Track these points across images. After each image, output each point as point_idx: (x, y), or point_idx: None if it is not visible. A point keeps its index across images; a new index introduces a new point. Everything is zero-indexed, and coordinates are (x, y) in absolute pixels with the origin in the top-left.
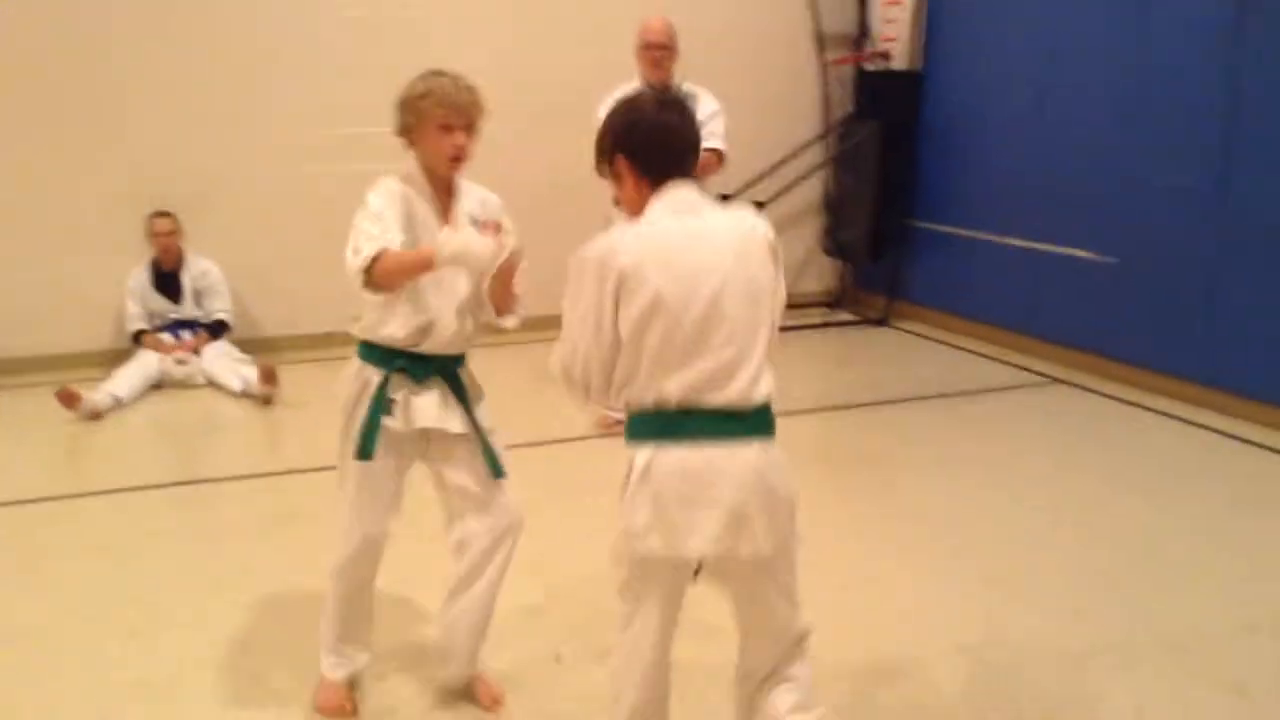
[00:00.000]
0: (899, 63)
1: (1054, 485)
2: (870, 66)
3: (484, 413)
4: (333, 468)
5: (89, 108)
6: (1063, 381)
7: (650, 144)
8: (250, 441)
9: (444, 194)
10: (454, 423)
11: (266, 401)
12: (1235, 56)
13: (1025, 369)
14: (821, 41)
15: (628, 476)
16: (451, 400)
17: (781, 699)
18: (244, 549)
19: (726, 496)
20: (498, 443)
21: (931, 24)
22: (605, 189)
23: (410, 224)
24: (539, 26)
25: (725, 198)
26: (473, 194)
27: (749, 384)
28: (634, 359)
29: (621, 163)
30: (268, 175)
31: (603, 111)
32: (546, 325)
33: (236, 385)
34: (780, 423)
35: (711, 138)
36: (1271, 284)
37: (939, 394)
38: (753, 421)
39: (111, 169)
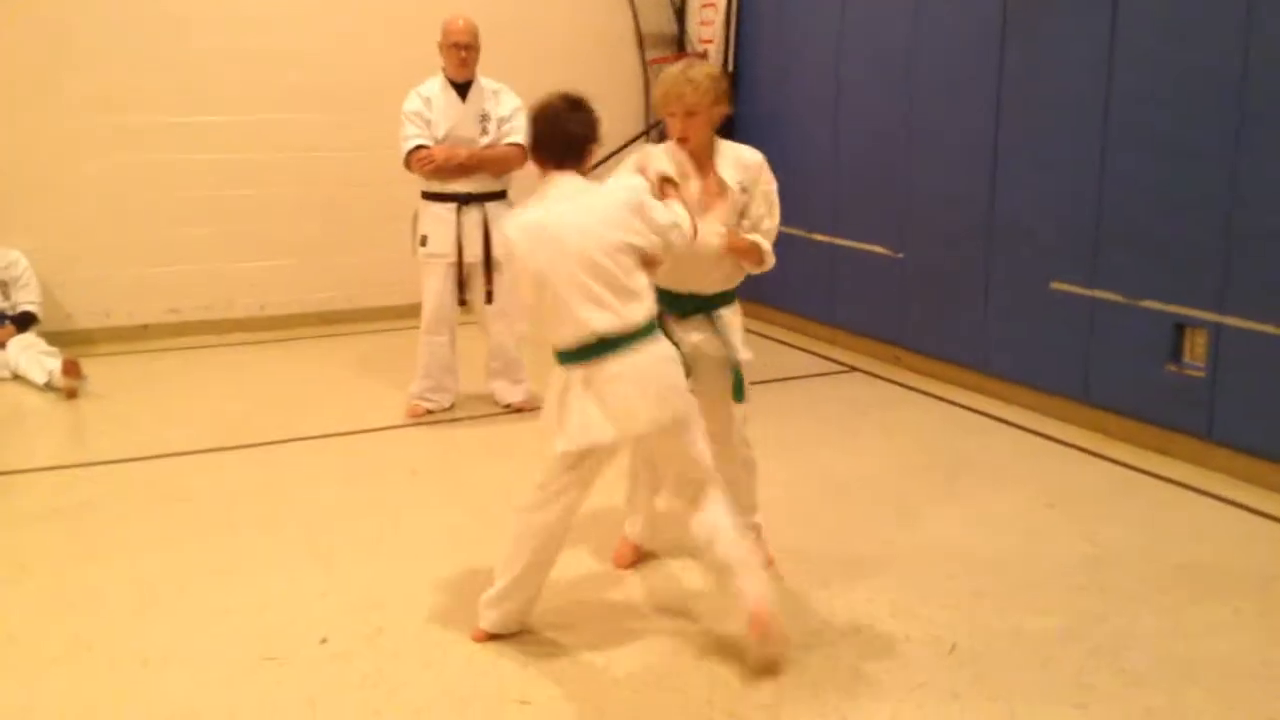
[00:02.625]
0: (714, 62)
1: (832, 463)
2: None
3: None
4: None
5: None
6: (859, 370)
7: (548, 138)
8: (48, 433)
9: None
10: None
11: (71, 394)
12: (999, 74)
13: (827, 358)
14: (642, 41)
15: (555, 391)
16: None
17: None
18: (30, 538)
19: (620, 399)
20: None
21: (742, 26)
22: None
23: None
24: (345, 21)
25: None
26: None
27: (623, 312)
28: (540, 312)
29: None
30: (79, 164)
31: (407, 105)
32: (370, 317)
33: (40, 378)
34: None
35: (514, 133)
36: (1029, 280)
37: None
38: (633, 337)
39: None
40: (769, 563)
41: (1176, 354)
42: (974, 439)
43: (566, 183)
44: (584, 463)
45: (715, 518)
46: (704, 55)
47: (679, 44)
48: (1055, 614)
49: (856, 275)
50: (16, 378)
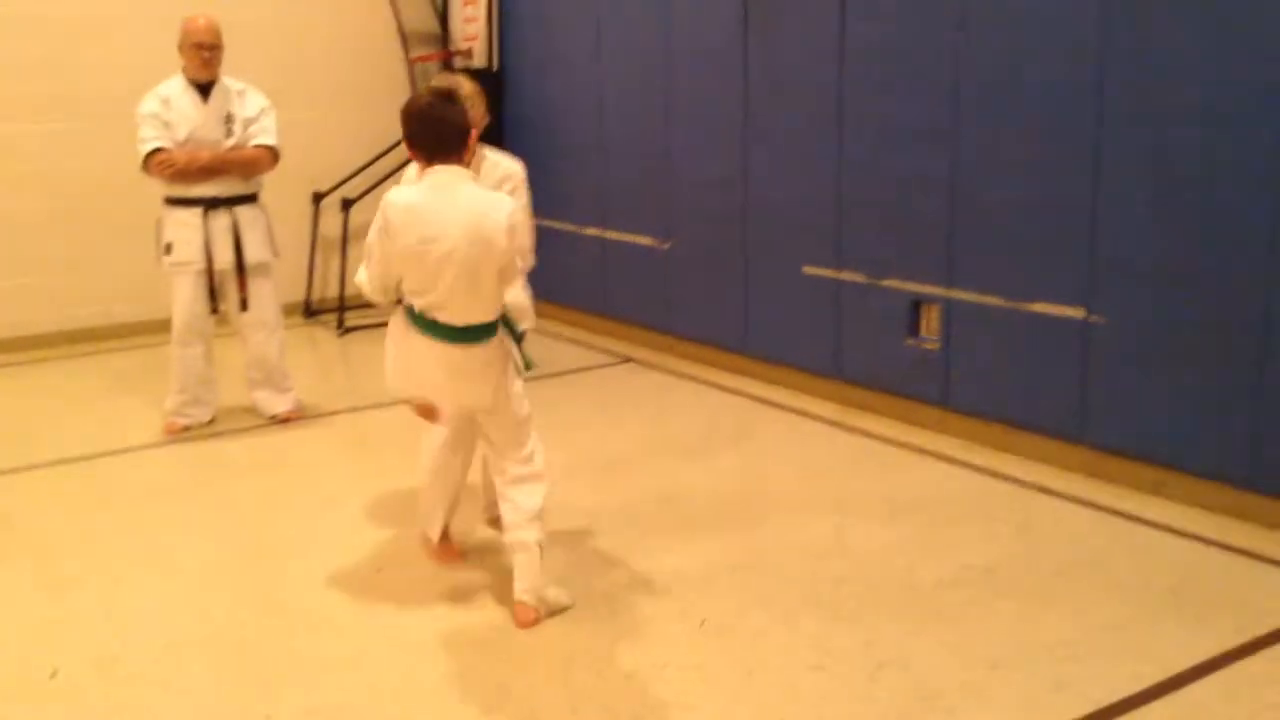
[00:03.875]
0: (479, 61)
1: (599, 450)
2: (456, 65)
3: None
4: None
5: None
6: (633, 359)
7: (422, 133)
8: None
9: None
10: None
11: None
12: (744, 66)
13: (603, 350)
14: (405, 39)
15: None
16: None
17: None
18: None
19: (431, 371)
20: None
21: (505, 25)
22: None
23: None
24: (78, 23)
25: (318, 196)
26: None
27: (463, 313)
28: (387, 281)
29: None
30: None
31: (144, 108)
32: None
33: None
34: None
35: (263, 134)
36: (782, 264)
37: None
38: (462, 333)
39: None
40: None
41: (914, 329)
42: (739, 421)
43: (447, 174)
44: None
45: (510, 507)
46: (468, 53)
47: (443, 42)
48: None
49: (626, 267)
50: None
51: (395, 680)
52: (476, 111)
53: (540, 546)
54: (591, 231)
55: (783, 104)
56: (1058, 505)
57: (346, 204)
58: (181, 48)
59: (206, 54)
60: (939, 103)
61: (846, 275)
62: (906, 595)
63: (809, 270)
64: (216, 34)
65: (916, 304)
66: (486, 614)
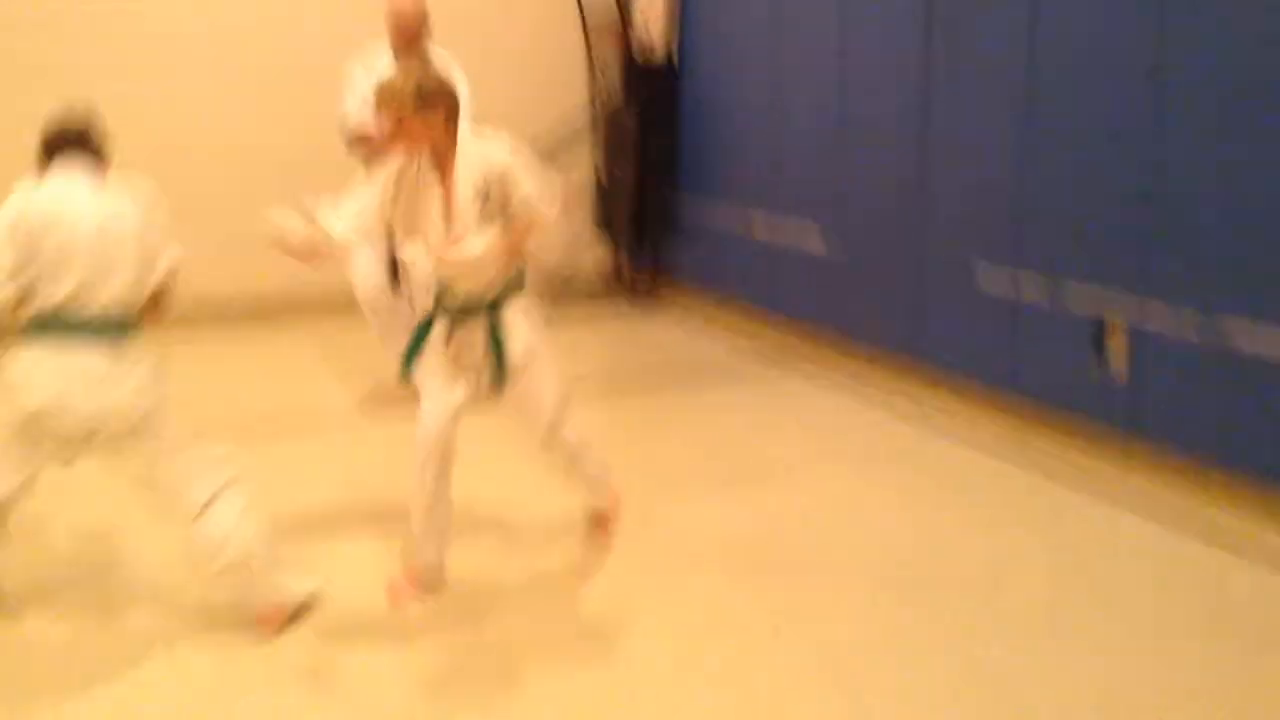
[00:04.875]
0: (659, 51)
1: (759, 459)
2: (634, 54)
3: None
4: None
5: None
6: (796, 361)
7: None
8: None
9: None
10: None
11: None
12: (929, 51)
13: (766, 349)
14: (587, 29)
15: None
16: None
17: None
18: None
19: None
20: None
21: (684, 13)
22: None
23: None
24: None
25: None
26: None
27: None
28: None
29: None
30: None
31: (356, 75)
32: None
33: None
34: None
35: None
36: (962, 268)
37: (686, 374)
38: (97, 326)
39: None
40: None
41: (1099, 348)
42: (901, 436)
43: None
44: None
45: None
46: (649, 43)
47: (624, 32)
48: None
49: (794, 264)
50: None
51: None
52: (414, 106)
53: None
54: (763, 225)
55: (965, 98)
56: (1263, 575)
57: None
58: (388, 28)
59: (407, 36)
60: (1137, 99)
61: (1027, 285)
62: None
63: (986, 277)
64: (417, 17)
65: (1103, 321)
66: None
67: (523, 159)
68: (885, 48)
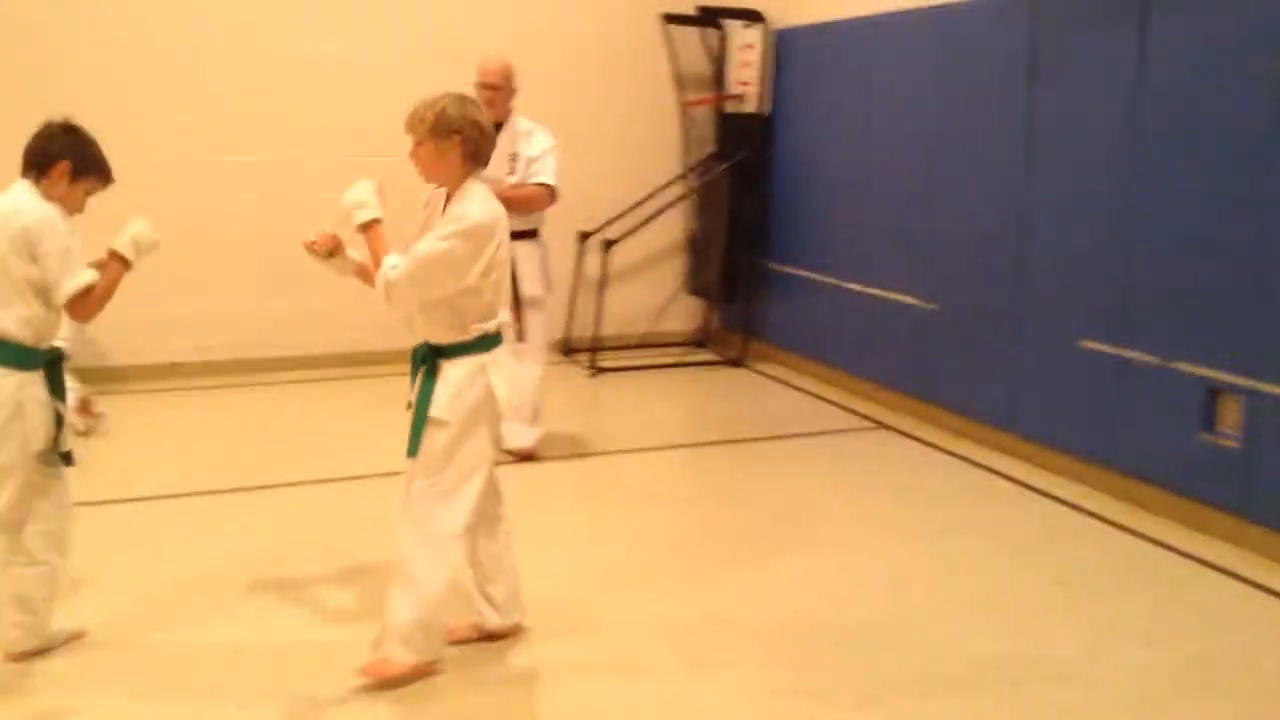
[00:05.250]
0: (750, 106)
1: (836, 525)
2: (728, 108)
3: None
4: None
5: None
6: (886, 426)
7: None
8: None
9: None
10: None
11: (84, 432)
12: (1029, 118)
13: (856, 412)
14: (681, 82)
15: None
16: None
17: None
18: None
19: None
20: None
21: (779, 68)
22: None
23: None
24: (381, 60)
25: (584, 235)
26: None
27: None
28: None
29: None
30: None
31: None
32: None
33: None
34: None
35: (543, 173)
36: (1063, 334)
37: (769, 436)
38: None
39: None
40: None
41: (1209, 421)
42: (988, 504)
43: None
44: None
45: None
46: (740, 97)
47: (717, 86)
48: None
49: (887, 325)
50: None
51: None
52: (428, 129)
53: None
54: (853, 286)
55: (1067, 158)
56: None
57: (607, 245)
58: (475, 87)
59: (490, 94)
60: (1245, 161)
61: (1131, 354)
62: None
63: (1088, 345)
64: (504, 76)
65: (1213, 392)
66: None
67: (457, 227)
68: (984, 109)
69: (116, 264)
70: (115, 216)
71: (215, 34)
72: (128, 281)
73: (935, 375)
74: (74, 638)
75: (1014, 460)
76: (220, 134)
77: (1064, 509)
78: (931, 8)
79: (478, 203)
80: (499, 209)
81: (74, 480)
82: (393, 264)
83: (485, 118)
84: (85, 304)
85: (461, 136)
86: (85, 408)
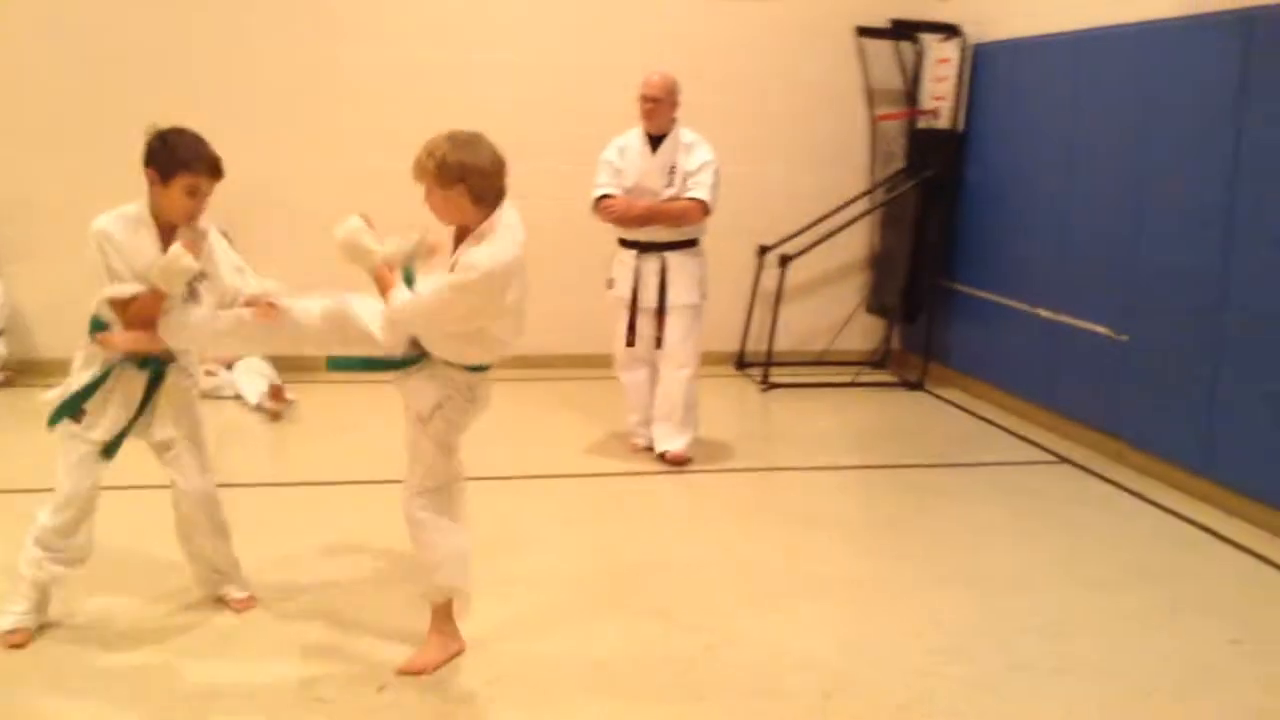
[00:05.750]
0: (944, 122)
1: (1001, 563)
2: (920, 123)
3: None
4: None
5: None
6: (1071, 462)
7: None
8: (239, 449)
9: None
10: None
11: (275, 417)
12: (1237, 142)
13: (1039, 445)
14: (871, 96)
15: None
16: None
17: None
18: None
19: None
20: None
21: (975, 84)
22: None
23: None
24: (553, 70)
25: (763, 249)
26: None
27: None
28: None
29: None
30: (330, 198)
31: (604, 154)
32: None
33: (253, 399)
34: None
35: (697, 188)
36: (1269, 376)
37: (941, 463)
38: None
39: None
40: None
41: None
42: (1171, 554)
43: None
44: None
45: None
46: (934, 113)
47: (909, 101)
48: None
49: (1077, 356)
50: (238, 396)
51: None
52: (434, 173)
53: None
54: (1043, 312)
55: (1277, 197)
56: None
57: (784, 260)
58: (637, 97)
59: (649, 106)
60: None
61: None
62: None
63: None
64: (663, 89)
65: None
66: None
67: (465, 279)
68: (1191, 132)
69: (149, 293)
70: (330, 213)
71: (373, 47)
72: (335, 279)
73: (1123, 410)
74: None
75: (1205, 506)
76: (400, 141)
77: (1257, 563)
78: (1138, 24)
79: (496, 245)
80: (517, 248)
81: (265, 463)
82: (399, 301)
83: (486, 157)
84: (121, 317)
85: (465, 184)
86: (277, 394)
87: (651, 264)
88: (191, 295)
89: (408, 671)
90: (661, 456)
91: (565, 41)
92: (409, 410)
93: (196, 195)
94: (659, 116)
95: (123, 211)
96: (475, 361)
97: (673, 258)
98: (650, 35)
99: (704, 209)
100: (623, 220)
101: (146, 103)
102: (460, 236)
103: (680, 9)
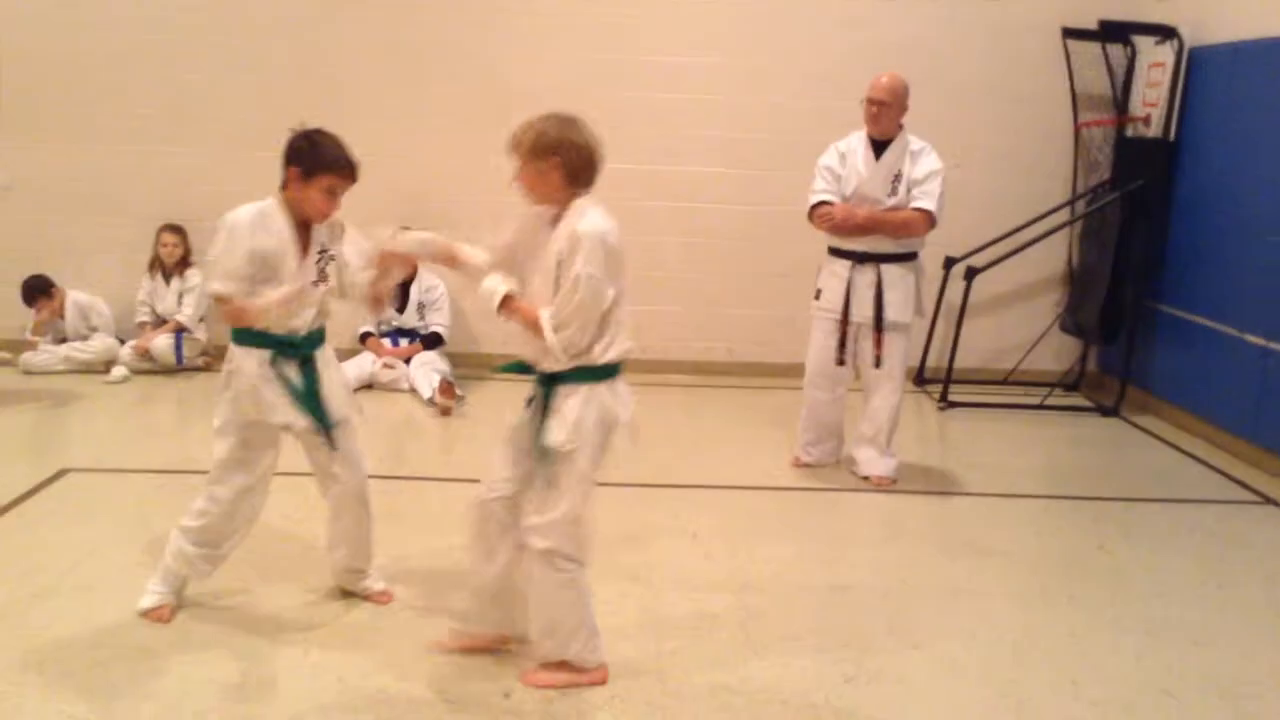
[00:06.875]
0: (1155, 130)
1: (1186, 615)
2: (1129, 131)
3: None
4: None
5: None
6: (1274, 502)
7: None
8: (411, 442)
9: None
10: None
11: (445, 412)
12: None
13: (1242, 483)
14: (1076, 101)
15: None
16: None
17: None
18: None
19: None
20: None
21: (1190, 90)
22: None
23: None
24: (760, 77)
25: (950, 261)
26: None
27: None
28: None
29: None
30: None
31: (823, 159)
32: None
33: (426, 393)
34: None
35: (924, 197)
36: None
37: (1133, 497)
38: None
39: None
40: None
41: None
42: None
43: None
44: None
45: None
46: (1145, 120)
47: (1118, 106)
48: None
49: None
50: (413, 390)
51: None
52: (528, 149)
53: None
54: (1254, 339)
55: None
56: None
57: (971, 273)
58: (863, 100)
59: (874, 109)
60: None
61: None
62: None
63: None
64: (890, 92)
65: None
66: None
67: (586, 266)
68: None
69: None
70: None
71: (600, 52)
72: None
73: None
74: None
75: None
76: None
77: None
78: None
79: (589, 217)
80: (611, 223)
81: (431, 457)
82: (552, 323)
83: (585, 135)
84: (222, 307)
85: (560, 158)
86: (446, 390)
87: (867, 277)
88: (321, 278)
89: (530, 684)
90: (866, 479)
91: (762, 44)
92: (552, 438)
93: (335, 195)
94: (885, 120)
95: (260, 207)
96: (620, 351)
97: (890, 270)
98: (845, 38)
99: (930, 220)
100: (841, 229)
101: (321, 109)
102: (554, 217)
103: (876, 9)
